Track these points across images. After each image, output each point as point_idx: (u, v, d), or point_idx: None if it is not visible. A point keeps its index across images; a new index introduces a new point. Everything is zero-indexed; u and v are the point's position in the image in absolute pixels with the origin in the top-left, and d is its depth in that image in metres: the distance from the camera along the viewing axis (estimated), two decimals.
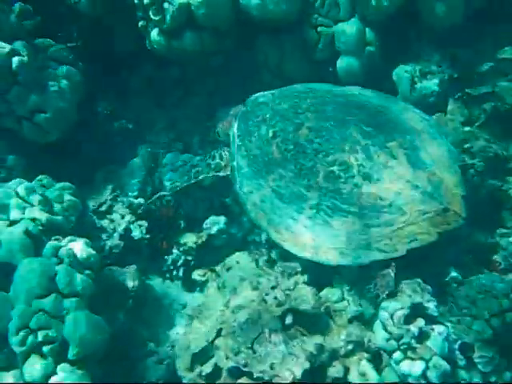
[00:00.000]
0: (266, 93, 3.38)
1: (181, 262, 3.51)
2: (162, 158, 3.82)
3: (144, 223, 3.42)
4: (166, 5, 2.98)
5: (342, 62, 3.36)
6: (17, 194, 2.90)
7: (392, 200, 2.85)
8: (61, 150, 3.40)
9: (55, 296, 2.58)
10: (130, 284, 3.15)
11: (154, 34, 3.12)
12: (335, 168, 2.95)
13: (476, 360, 2.79)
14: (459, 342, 2.77)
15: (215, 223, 3.43)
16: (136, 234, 3.35)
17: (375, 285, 2.84)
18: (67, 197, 3.13)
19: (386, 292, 2.77)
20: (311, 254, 2.90)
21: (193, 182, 3.42)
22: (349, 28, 3.30)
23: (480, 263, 3.20)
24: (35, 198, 2.93)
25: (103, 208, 3.42)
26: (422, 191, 2.86)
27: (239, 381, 2.53)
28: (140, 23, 3.16)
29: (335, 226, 2.88)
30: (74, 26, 3.42)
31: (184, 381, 2.79)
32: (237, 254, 3.35)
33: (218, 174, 3.41)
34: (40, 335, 2.49)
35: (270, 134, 3.16)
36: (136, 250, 3.40)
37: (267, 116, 3.25)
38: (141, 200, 3.59)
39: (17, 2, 3.16)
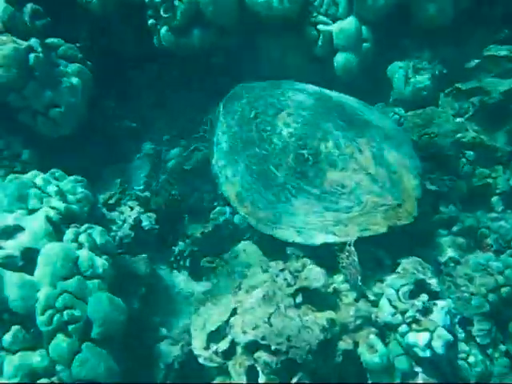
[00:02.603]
0: (258, 82, 3.56)
1: (187, 252, 3.61)
2: (165, 154, 3.93)
3: (153, 215, 3.52)
4: (176, 2, 3.13)
5: (340, 58, 3.55)
6: (35, 185, 2.99)
7: (352, 188, 3.04)
8: (70, 146, 3.50)
9: (78, 278, 2.68)
10: (142, 272, 3.26)
11: (164, 31, 3.26)
12: (305, 152, 3.14)
13: (475, 333, 2.96)
14: (459, 316, 2.94)
15: (222, 213, 3.54)
16: (146, 223, 3.45)
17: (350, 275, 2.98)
18: (79, 189, 3.23)
19: (360, 278, 2.92)
20: (270, 229, 3.11)
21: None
22: (347, 25, 3.48)
23: (474, 246, 3.38)
24: (52, 189, 3.03)
25: (112, 201, 3.52)
26: (380, 185, 3.05)
27: (256, 354, 2.65)
28: (150, 21, 3.31)
29: (296, 205, 3.07)
30: (84, 25, 3.52)
31: (200, 360, 2.89)
32: (242, 242, 3.47)
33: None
34: (66, 315, 2.58)
35: (252, 115, 3.35)
36: (145, 241, 3.50)
37: (252, 99, 3.43)
38: (147, 193, 3.70)
39: (28, 2, 3.26)
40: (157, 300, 3.40)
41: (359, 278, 2.88)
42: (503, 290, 3.02)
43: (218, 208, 3.61)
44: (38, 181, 3.03)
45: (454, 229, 3.37)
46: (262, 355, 2.63)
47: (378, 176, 3.08)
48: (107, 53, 3.70)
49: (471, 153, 3.55)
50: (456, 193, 3.45)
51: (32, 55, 3.10)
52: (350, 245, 2.94)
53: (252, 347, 2.70)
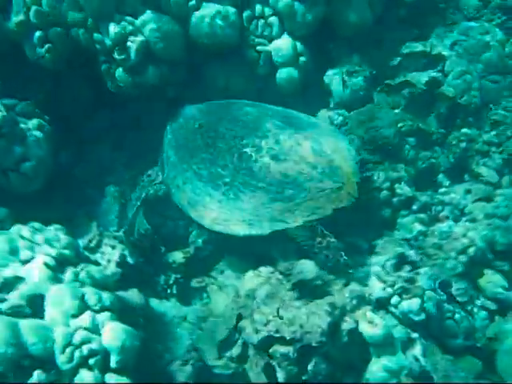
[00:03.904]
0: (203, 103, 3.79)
1: (172, 280, 3.74)
2: (130, 193, 4.06)
3: (134, 250, 3.63)
4: (129, 43, 3.32)
5: (281, 73, 3.83)
6: (22, 237, 3.06)
7: (295, 177, 3.28)
8: (38, 198, 3.58)
9: (89, 313, 2.77)
10: (138, 304, 3.36)
11: (119, 72, 3.42)
12: (248, 149, 3.39)
13: (454, 293, 3.26)
14: (438, 280, 3.24)
15: (199, 235, 3.71)
16: (130, 259, 3.56)
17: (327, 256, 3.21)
18: (62, 236, 3.31)
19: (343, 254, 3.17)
20: (223, 226, 3.29)
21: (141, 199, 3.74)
22: (283, 43, 3.79)
23: (433, 220, 3.72)
24: (40, 238, 3.11)
25: (93, 243, 3.61)
26: (320, 171, 3.31)
27: (271, 349, 2.82)
28: (103, 67, 3.45)
29: (245, 200, 3.29)
30: (35, 81, 3.64)
31: (216, 370, 3.02)
32: (225, 258, 3.65)
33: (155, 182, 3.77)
34: (85, 350, 2.66)
35: (197, 126, 3.58)
36: (130, 276, 3.60)
37: (196, 114, 3.67)
38: (122, 233, 3.81)
39: None
40: (154, 329, 3.48)
41: (342, 254, 3.10)
42: (469, 250, 3.34)
43: (194, 231, 3.73)
44: (25, 232, 3.09)
45: (414, 207, 3.67)
46: (277, 348, 2.80)
47: (317, 164, 3.32)
48: (62, 105, 3.80)
49: (412, 139, 3.91)
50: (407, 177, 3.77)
51: None
52: (321, 229, 3.16)
53: (265, 345, 2.85)
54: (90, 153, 4.12)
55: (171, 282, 3.76)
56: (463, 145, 3.90)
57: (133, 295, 3.39)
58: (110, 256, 3.54)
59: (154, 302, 3.73)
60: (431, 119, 4.08)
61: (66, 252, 3.14)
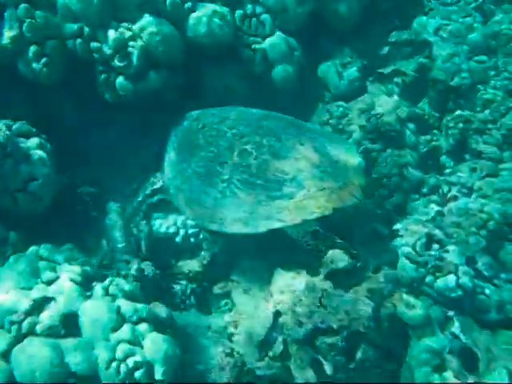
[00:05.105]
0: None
1: (189, 290, 3.64)
2: (132, 206, 3.95)
3: (148, 263, 3.53)
4: (130, 49, 3.25)
5: (278, 70, 3.81)
6: (41, 258, 2.94)
7: (294, 175, 3.18)
8: (43, 219, 3.45)
9: (128, 325, 2.66)
10: (164, 316, 3.24)
11: (120, 80, 3.33)
12: (248, 146, 3.31)
13: (480, 268, 3.28)
14: (464, 256, 3.25)
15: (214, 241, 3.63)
16: (148, 271, 3.45)
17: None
18: (77, 255, 3.20)
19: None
20: (218, 225, 3.22)
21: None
22: (277, 40, 3.78)
23: (444, 199, 3.75)
24: (58, 258, 2.99)
25: (107, 260, 3.49)
26: (322, 170, 3.21)
27: (318, 342, 2.76)
28: (102, 77, 3.36)
29: (242, 198, 3.20)
30: (29, 99, 3.51)
31: (258, 372, 2.94)
32: (244, 261, 3.57)
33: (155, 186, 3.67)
34: (130, 363, 2.55)
35: (200, 126, 3.51)
36: (149, 289, 3.48)
37: (200, 117, 3.61)
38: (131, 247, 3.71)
39: None
40: (180, 340, 3.37)
41: (351, 249, 3.04)
42: (489, 224, 3.37)
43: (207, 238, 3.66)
44: (43, 252, 2.97)
45: (424, 190, 3.69)
46: (323, 339, 2.74)
47: (319, 162, 3.23)
48: (57, 122, 3.68)
49: (412, 124, 3.95)
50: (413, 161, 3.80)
51: (2, 133, 3.05)
52: (317, 231, 3.11)
53: (310, 338, 2.79)
54: (87, 171, 3.97)
55: (188, 292, 3.64)
56: (460, 125, 3.94)
57: (158, 307, 3.28)
58: (127, 271, 3.41)
59: (174, 314, 3.61)
60: (425, 104, 4.12)
61: (88, 268, 3.02)
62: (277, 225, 3.08)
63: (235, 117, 3.50)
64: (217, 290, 3.54)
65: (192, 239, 3.75)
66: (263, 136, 3.33)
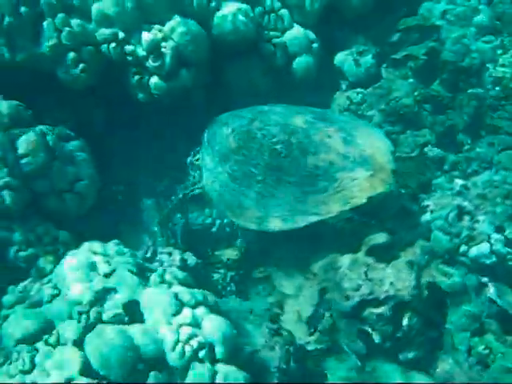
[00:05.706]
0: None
1: (228, 277, 3.80)
2: (166, 203, 4.11)
3: (190, 253, 3.68)
4: (162, 49, 3.40)
5: (298, 62, 3.97)
6: (95, 253, 3.08)
7: (326, 169, 3.32)
8: (86, 217, 3.59)
9: (187, 309, 2.81)
10: (212, 301, 3.39)
11: (155, 80, 3.49)
12: (278, 146, 3.43)
13: (509, 236, 3.42)
14: (493, 226, 3.40)
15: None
16: (190, 261, 3.60)
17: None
18: (124, 249, 3.34)
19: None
20: (256, 224, 3.38)
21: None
22: (296, 33, 3.94)
23: (466, 174, 3.91)
24: (111, 251, 3.14)
25: (149, 254, 3.65)
26: (351, 161, 3.32)
27: (365, 313, 2.92)
28: (135, 78, 3.51)
29: (277, 196, 3.36)
30: (66, 104, 3.66)
31: (309, 347, 3.09)
32: (279, 248, 3.72)
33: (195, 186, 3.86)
34: (194, 343, 2.70)
35: (229, 131, 3.62)
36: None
37: (229, 119, 3.71)
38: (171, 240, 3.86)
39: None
40: None
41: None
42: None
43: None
44: (96, 247, 3.11)
45: (446, 167, 3.86)
46: (371, 310, 2.90)
47: (349, 154, 3.35)
48: (87, 125, 3.83)
49: (428, 105, 4.11)
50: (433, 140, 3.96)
51: (50, 137, 3.19)
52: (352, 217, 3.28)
53: (357, 310, 2.95)
54: (117, 172, 4.12)
55: (228, 279, 3.79)
56: (474, 103, 4.10)
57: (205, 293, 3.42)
58: (171, 262, 3.56)
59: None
60: (438, 85, 4.27)
61: (139, 260, 3.16)
62: (314, 219, 3.23)
63: (262, 117, 3.60)
64: (257, 274, 3.68)
65: (227, 229, 3.89)
66: (291, 134, 3.45)
